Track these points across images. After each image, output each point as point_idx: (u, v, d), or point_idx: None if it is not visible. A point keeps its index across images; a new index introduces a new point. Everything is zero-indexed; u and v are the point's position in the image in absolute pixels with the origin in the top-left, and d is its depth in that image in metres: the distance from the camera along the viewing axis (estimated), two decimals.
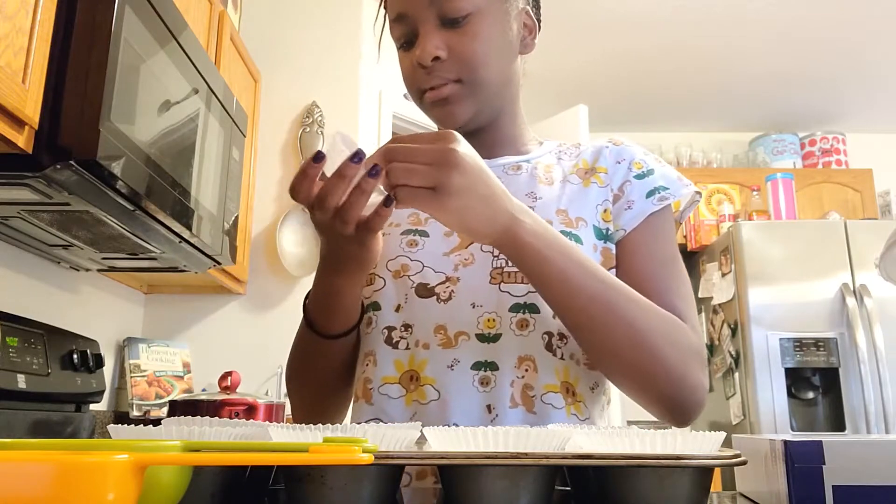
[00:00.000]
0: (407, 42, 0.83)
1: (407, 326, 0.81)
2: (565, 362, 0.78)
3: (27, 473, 0.33)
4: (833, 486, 0.49)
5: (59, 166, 1.26)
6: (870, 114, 4.02)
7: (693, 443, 0.49)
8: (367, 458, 0.36)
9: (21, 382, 1.62)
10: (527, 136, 0.92)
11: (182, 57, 1.66)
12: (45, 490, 0.32)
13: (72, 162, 1.25)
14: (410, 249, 0.84)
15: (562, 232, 0.79)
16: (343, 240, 0.69)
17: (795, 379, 2.84)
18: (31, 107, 1.22)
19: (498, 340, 0.78)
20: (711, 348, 3.22)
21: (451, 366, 0.78)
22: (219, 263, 2.03)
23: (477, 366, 0.77)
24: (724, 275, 3.07)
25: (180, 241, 1.74)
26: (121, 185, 1.37)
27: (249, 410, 1.62)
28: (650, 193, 0.83)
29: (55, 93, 1.27)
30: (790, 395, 2.81)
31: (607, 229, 0.83)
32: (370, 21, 2.95)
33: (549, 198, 0.84)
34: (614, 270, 0.82)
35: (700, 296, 3.28)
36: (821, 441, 0.49)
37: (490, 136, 0.88)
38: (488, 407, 0.76)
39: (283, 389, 2.52)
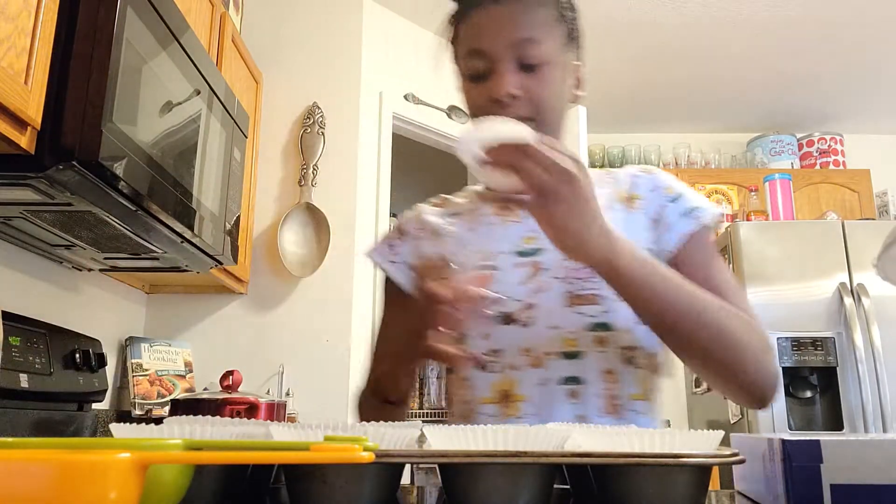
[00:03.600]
0: (479, 76, 0.89)
1: (495, 352, 0.89)
2: (643, 371, 0.88)
3: (30, 472, 0.33)
4: (831, 484, 0.49)
5: (61, 167, 1.26)
6: (867, 114, 4.01)
7: (691, 441, 0.49)
8: (368, 457, 0.36)
9: (24, 382, 1.62)
10: None
11: (184, 58, 1.66)
12: (48, 489, 0.33)
13: (74, 162, 1.26)
14: (487, 283, 0.90)
15: None
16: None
17: (793, 378, 2.84)
18: (33, 107, 1.22)
19: (580, 357, 0.86)
20: None
21: (542, 383, 0.87)
22: (220, 263, 2.04)
23: (564, 381, 0.86)
24: None
25: (182, 242, 1.75)
26: (123, 186, 1.37)
27: (251, 409, 1.62)
28: (686, 214, 0.93)
29: (57, 94, 1.27)
30: (788, 394, 2.81)
31: (650, 251, 0.90)
32: (371, 22, 2.95)
33: None
34: None
35: None
36: (818, 440, 0.50)
37: None
38: (580, 417, 0.85)
39: (284, 388, 2.52)
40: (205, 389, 2.45)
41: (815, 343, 2.78)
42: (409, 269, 1.04)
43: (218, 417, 0.58)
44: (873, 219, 3.57)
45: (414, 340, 0.85)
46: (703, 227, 0.92)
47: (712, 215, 0.93)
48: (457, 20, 0.93)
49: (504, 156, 0.68)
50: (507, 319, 0.89)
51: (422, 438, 0.57)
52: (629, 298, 0.77)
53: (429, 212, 1.06)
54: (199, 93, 1.77)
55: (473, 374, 0.90)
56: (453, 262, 0.96)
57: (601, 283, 0.84)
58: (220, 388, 1.66)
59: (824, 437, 0.50)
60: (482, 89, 0.89)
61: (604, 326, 0.86)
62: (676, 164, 3.99)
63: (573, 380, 0.86)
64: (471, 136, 0.69)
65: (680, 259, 0.91)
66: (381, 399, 0.92)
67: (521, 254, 0.93)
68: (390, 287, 1.08)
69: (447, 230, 1.00)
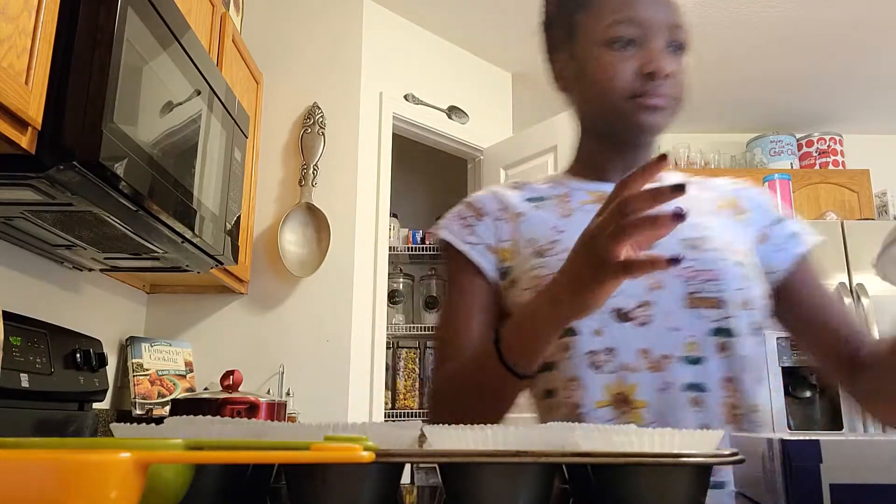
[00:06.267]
0: (624, 44, 0.86)
1: (610, 350, 0.82)
2: (755, 381, 0.84)
3: (30, 472, 0.33)
4: (830, 484, 0.49)
5: (62, 167, 1.27)
6: (867, 115, 4.01)
7: (691, 441, 0.49)
8: (368, 457, 0.36)
9: (24, 381, 1.62)
10: None
11: (184, 58, 1.66)
12: (48, 488, 0.33)
13: (75, 163, 1.26)
14: None
15: (737, 262, 0.86)
16: (604, 270, 0.63)
17: (793, 378, 2.84)
18: (34, 108, 1.22)
19: (701, 363, 0.82)
20: None
21: (663, 388, 0.81)
22: (221, 263, 2.04)
23: (687, 388, 0.81)
24: None
25: (183, 242, 1.75)
26: (123, 186, 1.37)
27: (251, 409, 1.62)
28: (792, 236, 0.93)
29: (58, 94, 1.27)
30: (787, 393, 2.82)
31: (754, 266, 0.90)
32: (371, 22, 2.95)
33: (715, 229, 0.89)
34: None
35: None
36: (818, 440, 0.50)
37: (648, 152, 0.94)
38: (704, 427, 0.79)
39: (285, 388, 2.52)
40: (205, 389, 2.45)
41: None
42: (490, 252, 0.93)
43: (218, 417, 0.58)
44: (872, 219, 3.57)
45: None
46: (810, 250, 0.93)
47: (815, 240, 0.94)
48: None
49: None
50: (622, 316, 0.83)
51: (422, 438, 0.57)
52: None
53: (508, 193, 0.98)
54: (199, 93, 1.77)
55: (584, 374, 0.83)
56: (553, 249, 0.88)
57: (724, 285, 0.83)
58: (221, 388, 1.66)
59: (824, 437, 0.50)
60: (629, 59, 0.85)
61: (726, 332, 0.82)
62: (676, 164, 3.98)
63: (696, 387, 0.81)
64: None
65: (793, 280, 0.91)
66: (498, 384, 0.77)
67: None
68: (463, 269, 0.93)
69: (535, 215, 0.93)
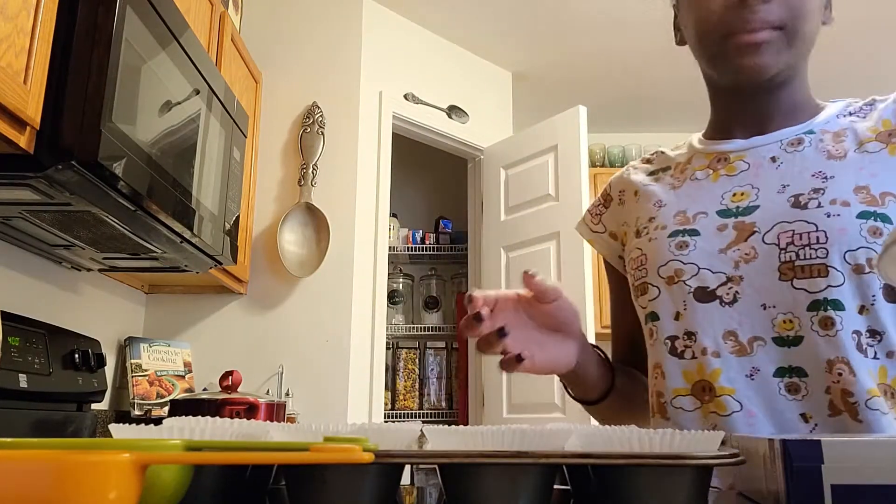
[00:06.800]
0: None
1: (690, 334, 0.76)
2: (880, 362, 0.71)
3: (29, 472, 0.33)
4: (832, 485, 0.49)
5: (60, 167, 1.26)
6: None
7: (692, 442, 0.49)
8: (368, 457, 0.36)
9: (23, 382, 1.62)
10: (812, 103, 0.83)
11: (183, 57, 1.66)
12: (47, 489, 0.33)
13: (73, 162, 1.26)
14: (681, 252, 0.78)
15: (864, 213, 0.71)
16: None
17: None
18: (32, 107, 1.22)
19: (800, 344, 0.71)
20: None
21: (751, 374, 0.73)
22: (220, 263, 2.04)
23: (780, 372, 0.72)
24: None
25: (181, 242, 1.74)
26: (122, 186, 1.37)
27: (250, 410, 1.62)
28: None
29: (57, 93, 1.27)
30: None
31: None
32: (371, 22, 2.95)
33: (843, 175, 0.74)
34: None
35: None
36: (819, 440, 0.49)
37: (781, 99, 0.81)
38: (803, 416, 0.71)
39: (284, 388, 2.52)
40: (204, 390, 2.45)
41: None
42: (611, 238, 0.91)
43: (217, 418, 0.58)
44: None
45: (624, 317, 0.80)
46: None
47: None
48: None
49: None
50: (706, 295, 0.75)
51: (422, 438, 0.57)
52: None
53: (635, 169, 0.92)
54: (198, 92, 1.77)
55: (665, 361, 0.78)
56: (648, 227, 0.82)
57: (830, 247, 0.70)
58: (220, 389, 1.66)
59: (825, 437, 0.50)
60: None
61: (833, 304, 0.70)
62: None
63: (793, 370, 0.71)
64: None
65: None
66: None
67: (726, 213, 0.77)
68: (605, 261, 0.95)
69: (648, 190, 0.87)
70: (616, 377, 0.85)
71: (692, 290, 0.76)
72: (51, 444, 0.42)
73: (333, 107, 2.80)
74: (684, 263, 0.77)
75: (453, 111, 3.24)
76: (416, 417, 3.74)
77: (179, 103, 1.65)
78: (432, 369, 3.85)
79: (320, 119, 2.77)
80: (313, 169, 2.71)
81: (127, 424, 0.51)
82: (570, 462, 0.49)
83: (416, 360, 3.85)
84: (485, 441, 0.50)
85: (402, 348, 3.86)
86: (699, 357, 0.75)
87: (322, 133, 2.75)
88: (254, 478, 0.55)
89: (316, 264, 2.62)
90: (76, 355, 1.86)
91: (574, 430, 0.53)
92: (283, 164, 2.74)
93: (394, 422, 0.74)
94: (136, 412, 2.24)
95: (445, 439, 0.51)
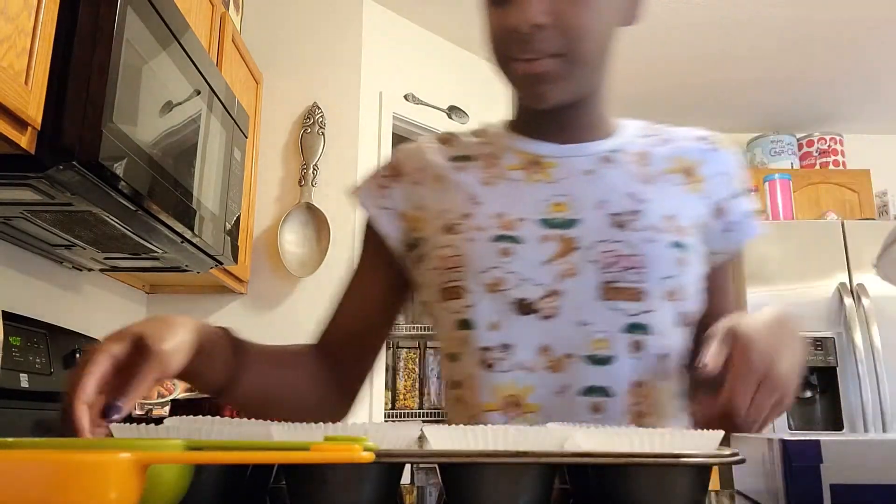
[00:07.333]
0: None
1: (506, 346, 0.72)
2: (672, 385, 0.74)
3: (29, 472, 0.33)
4: (830, 484, 0.49)
5: (61, 167, 1.27)
6: (867, 115, 4.01)
7: (691, 441, 0.49)
8: (368, 457, 0.36)
9: (24, 381, 1.62)
10: (611, 119, 0.83)
11: (184, 58, 1.66)
12: (48, 489, 0.33)
13: (74, 163, 1.26)
14: (504, 259, 0.73)
15: (675, 243, 0.73)
16: None
17: None
18: (33, 107, 1.22)
19: (609, 363, 0.71)
20: None
21: (561, 391, 0.71)
22: (220, 263, 2.04)
23: (589, 391, 0.71)
24: None
25: (182, 242, 1.75)
26: (123, 186, 1.37)
27: None
28: (746, 217, 0.80)
29: (58, 94, 1.27)
30: None
31: (702, 241, 0.78)
32: (370, 21, 2.95)
33: (654, 201, 0.75)
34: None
35: None
36: (818, 440, 0.50)
37: (576, 116, 0.79)
38: None
39: None
40: None
41: (815, 343, 2.78)
42: (400, 220, 0.82)
43: (218, 417, 0.58)
44: (873, 219, 3.57)
45: (371, 314, 0.79)
46: (752, 239, 0.81)
47: (762, 229, 0.82)
48: None
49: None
50: (525, 308, 0.72)
51: (422, 438, 0.57)
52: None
53: (433, 150, 0.84)
54: (199, 93, 1.77)
55: (477, 374, 0.74)
56: (463, 225, 0.76)
57: (646, 273, 0.71)
58: None
59: (824, 437, 0.50)
60: (501, 15, 0.71)
61: (642, 329, 0.71)
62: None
63: (598, 390, 0.71)
64: None
65: (725, 267, 0.81)
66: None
67: (549, 223, 0.74)
68: (371, 236, 0.85)
69: (456, 179, 0.80)
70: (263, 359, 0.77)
71: (513, 301, 0.72)
72: (51, 444, 0.42)
73: (334, 107, 2.80)
74: (507, 272, 0.73)
75: (453, 112, 3.24)
76: (416, 417, 3.74)
77: (180, 104, 1.65)
78: (432, 369, 3.85)
79: (321, 119, 2.77)
80: (314, 169, 2.71)
81: (128, 424, 0.51)
82: (570, 462, 0.49)
83: (416, 360, 3.85)
84: (485, 441, 0.50)
85: (402, 348, 3.86)
86: (513, 371, 0.72)
87: (322, 133, 2.75)
88: (254, 477, 0.55)
89: (316, 264, 2.62)
90: (77, 355, 1.86)
91: (574, 430, 0.53)
92: (283, 164, 2.74)
93: (394, 421, 0.73)
94: (137, 412, 2.24)
95: (446, 439, 0.51)
